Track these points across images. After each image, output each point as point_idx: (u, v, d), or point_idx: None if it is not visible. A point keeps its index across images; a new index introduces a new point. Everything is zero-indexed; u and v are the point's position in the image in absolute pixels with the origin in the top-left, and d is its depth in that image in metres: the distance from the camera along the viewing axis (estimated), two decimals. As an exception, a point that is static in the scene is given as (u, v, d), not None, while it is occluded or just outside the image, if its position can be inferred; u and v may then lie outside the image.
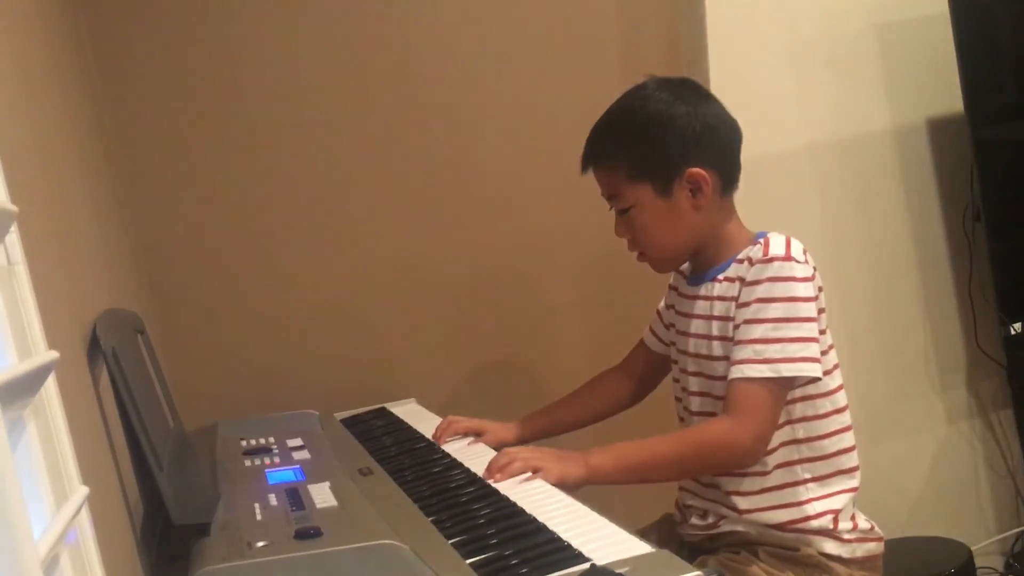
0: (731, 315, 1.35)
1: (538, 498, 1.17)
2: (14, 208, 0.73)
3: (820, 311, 1.35)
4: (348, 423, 1.76)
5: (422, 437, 1.56)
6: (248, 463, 1.40)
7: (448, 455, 1.42)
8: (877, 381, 2.22)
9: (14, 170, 0.81)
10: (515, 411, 1.66)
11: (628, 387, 1.66)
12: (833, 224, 2.15)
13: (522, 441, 1.55)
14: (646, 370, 1.64)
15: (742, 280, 1.34)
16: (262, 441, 1.54)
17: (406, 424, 1.68)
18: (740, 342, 1.32)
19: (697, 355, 1.42)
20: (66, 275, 1.09)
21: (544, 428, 1.61)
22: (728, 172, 1.41)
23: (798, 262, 1.32)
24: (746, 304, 1.33)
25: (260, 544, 1.00)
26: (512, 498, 1.16)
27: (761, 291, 1.32)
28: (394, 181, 1.99)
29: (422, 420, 1.71)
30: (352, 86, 1.96)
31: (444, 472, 1.33)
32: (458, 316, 2.04)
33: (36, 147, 1.08)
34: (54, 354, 0.72)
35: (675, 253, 1.43)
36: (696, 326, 1.42)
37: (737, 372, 1.30)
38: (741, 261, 1.37)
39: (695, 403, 1.44)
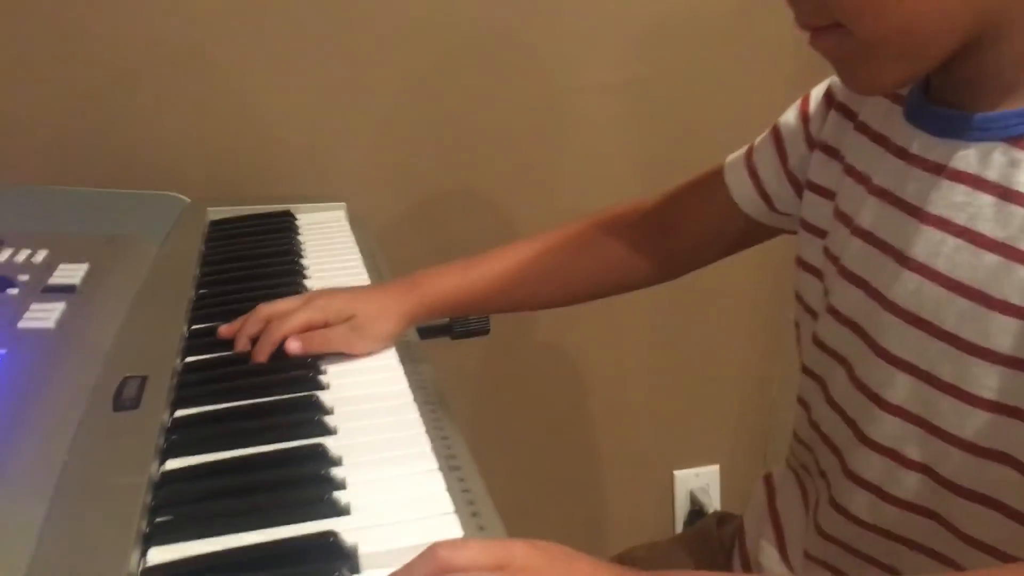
0: None
1: None
2: None
3: None
4: (216, 232, 1.06)
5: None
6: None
7: (317, 378, 0.73)
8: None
9: None
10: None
11: (652, 251, 0.86)
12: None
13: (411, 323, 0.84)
14: (705, 232, 0.84)
15: None
16: (18, 255, 0.85)
17: (298, 256, 0.98)
18: None
19: (920, 322, 0.59)
20: None
21: (460, 298, 0.84)
22: None
23: None
24: None
25: None
26: None
27: None
28: None
29: (332, 246, 1.02)
30: None
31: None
32: (434, 91, 1.25)
33: None
34: None
35: (921, 24, 0.55)
36: (932, 247, 0.59)
37: None
38: None
39: (884, 426, 0.62)
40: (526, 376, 1.42)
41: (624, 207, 0.88)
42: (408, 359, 0.77)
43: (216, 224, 1.08)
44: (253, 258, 0.98)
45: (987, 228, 0.56)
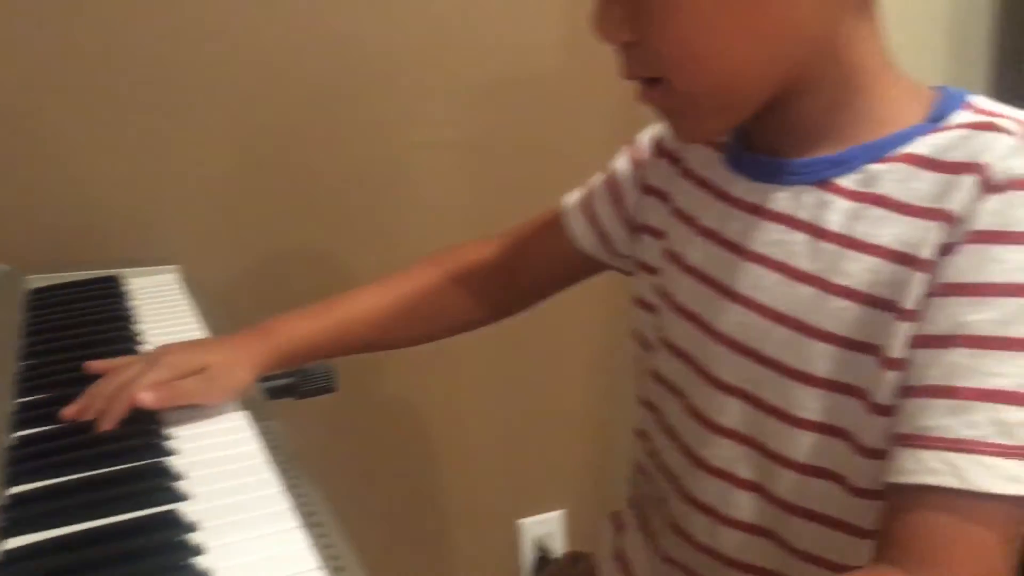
0: (893, 298, 0.56)
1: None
2: None
3: None
4: (37, 300, 1.01)
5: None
6: None
7: (166, 443, 0.70)
8: None
9: None
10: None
11: (494, 291, 0.91)
12: None
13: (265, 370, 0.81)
14: (546, 273, 0.89)
15: (948, 219, 0.55)
16: None
17: (130, 322, 0.94)
18: (943, 391, 0.53)
19: (745, 350, 0.64)
20: None
21: (313, 343, 0.84)
22: None
23: None
24: (971, 289, 0.53)
25: None
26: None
27: (1017, 266, 0.53)
28: None
29: (166, 310, 0.99)
30: None
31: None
32: (269, 149, 1.24)
33: None
34: None
35: (735, 80, 0.60)
36: (753, 281, 0.64)
37: (932, 474, 0.51)
38: (935, 162, 0.57)
39: (717, 449, 0.67)
40: (372, 431, 1.41)
41: (469, 249, 0.92)
42: (258, 418, 0.76)
43: (37, 292, 1.03)
44: (81, 326, 0.93)
45: (801, 263, 0.61)
